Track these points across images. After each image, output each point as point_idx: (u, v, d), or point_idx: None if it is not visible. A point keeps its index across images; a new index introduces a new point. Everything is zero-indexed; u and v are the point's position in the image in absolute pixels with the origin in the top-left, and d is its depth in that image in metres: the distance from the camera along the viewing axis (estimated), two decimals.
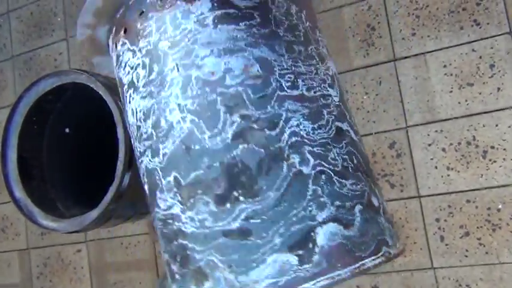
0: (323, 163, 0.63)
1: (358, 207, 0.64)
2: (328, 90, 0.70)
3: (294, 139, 0.62)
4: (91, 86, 0.98)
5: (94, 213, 0.94)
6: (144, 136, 0.73)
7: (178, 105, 0.66)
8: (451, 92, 1.20)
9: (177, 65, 0.66)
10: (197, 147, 0.64)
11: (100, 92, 0.96)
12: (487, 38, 1.17)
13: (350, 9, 1.31)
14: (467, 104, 1.18)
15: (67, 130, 1.18)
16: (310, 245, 0.60)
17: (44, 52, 1.75)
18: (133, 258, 1.57)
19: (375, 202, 0.67)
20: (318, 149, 0.63)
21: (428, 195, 1.21)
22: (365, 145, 1.25)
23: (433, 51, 1.22)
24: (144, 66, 0.70)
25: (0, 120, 1.84)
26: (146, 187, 0.78)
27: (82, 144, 1.21)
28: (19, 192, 1.01)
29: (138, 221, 1.12)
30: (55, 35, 1.72)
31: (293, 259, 0.59)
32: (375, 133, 1.27)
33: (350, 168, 0.66)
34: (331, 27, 1.33)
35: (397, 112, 1.25)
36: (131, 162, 0.94)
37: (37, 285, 1.74)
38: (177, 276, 0.72)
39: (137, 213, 1.05)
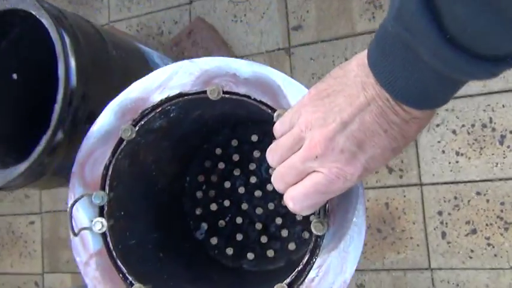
0: None
1: None
2: None
3: None
4: (34, 13, 0.79)
5: (22, 167, 0.75)
6: None
7: None
8: None
9: None
10: None
11: (43, 21, 0.78)
12: None
13: None
14: (485, 81, 1.01)
15: (14, 76, 0.99)
16: None
17: None
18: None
19: None
20: None
21: (432, 184, 1.04)
22: None
23: None
24: None
25: None
26: None
27: (30, 89, 1.02)
28: None
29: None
30: None
31: None
32: None
33: None
34: None
35: None
36: (73, 104, 0.76)
37: None
38: None
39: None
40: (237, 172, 0.71)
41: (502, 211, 0.98)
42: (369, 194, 1.08)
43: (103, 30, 0.94)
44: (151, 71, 0.58)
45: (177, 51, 1.19)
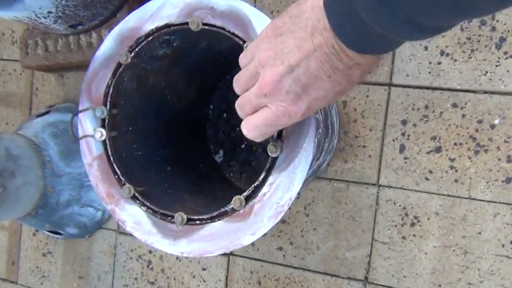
0: None
1: None
2: None
3: None
4: None
5: None
6: None
7: None
8: None
9: None
10: None
11: None
12: None
13: None
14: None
15: None
16: None
17: None
18: (5, 89, 1.23)
19: None
20: None
21: (403, 86, 0.87)
22: None
23: None
24: None
25: None
26: None
27: None
28: None
29: None
30: None
31: None
32: None
33: None
34: None
35: None
36: None
37: None
38: None
39: None
40: None
41: (477, 130, 0.83)
42: None
43: None
44: None
45: None
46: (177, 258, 1.03)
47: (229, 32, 0.55)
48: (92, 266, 1.11)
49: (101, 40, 0.99)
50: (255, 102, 0.40)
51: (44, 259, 1.16)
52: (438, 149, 0.85)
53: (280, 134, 0.51)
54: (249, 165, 0.96)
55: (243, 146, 0.97)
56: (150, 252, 1.06)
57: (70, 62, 1.04)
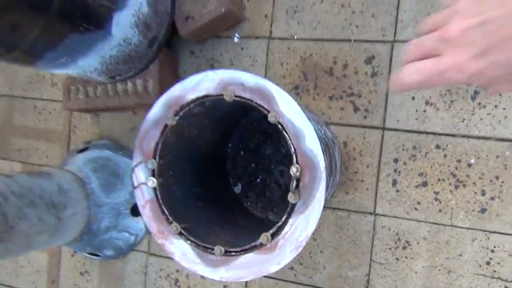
0: None
1: None
2: None
3: None
4: None
5: None
6: None
7: None
8: None
9: None
10: None
11: None
12: None
13: None
14: None
15: None
16: None
17: None
18: (45, 126, 1.39)
19: None
20: None
21: (394, 130, 1.04)
22: (338, 52, 1.06)
23: None
24: None
25: None
26: None
27: None
28: None
29: (31, 66, 0.92)
30: None
31: None
32: (354, 40, 1.06)
33: None
34: None
35: (388, 21, 1.03)
36: None
37: None
38: None
39: (21, 49, 0.84)
40: (269, 142, 1.10)
41: (456, 168, 0.99)
42: (331, 128, 1.08)
43: None
44: None
45: None
46: (202, 276, 1.19)
47: (256, 103, 0.72)
48: (125, 284, 1.27)
49: (134, 88, 1.16)
50: (429, 45, 0.38)
51: (81, 278, 1.32)
52: (425, 184, 1.02)
53: (297, 185, 0.68)
54: (264, 195, 1.13)
55: (258, 179, 1.14)
56: (177, 271, 1.22)
57: (107, 106, 1.21)
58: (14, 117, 1.44)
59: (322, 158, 0.69)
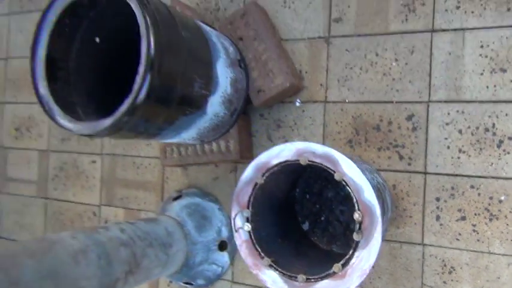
0: None
1: None
2: None
3: None
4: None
5: (108, 121, 1.05)
6: None
7: None
8: (481, 74, 1.21)
9: None
10: None
11: (131, 4, 1.04)
12: None
13: None
14: (495, 90, 1.20)
15: (97, 39, 1.27)
16: None
17: None
18: (142, 178, 1.71)
19: None
20: None
21: (434, 174, 1.26)
22: (383, 112, 1.30)
23: (473, 28, 1.22)
24: None
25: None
26: None
27: (109, 55, 1.30)
28: (43, 89, 1.13)
29: (147, 140, 1.23)
30: None
31: None
32: (396, 102, 1.30)
33: None
34: None
35: (423, 85, 1.27)
36: (151, 72, 1.02)
37: (51, 185, 1.92)
38: None
39: (148, 132, 1.16)
40: (330, 186, 1.36)
41: (489, 204, 1.20)
42: (381, 174, 1.31)
43: (174, 11, 1.19)
44: (210, 49, 1.22)
45: (231, 30, 1.43)
46: None
47: (324, 165, 0.98)
48: None
49: (218, 147, 1.45)
50: None
51: None
52: (463, 218, 1.23)
53: (360, 227, 0.92)
54: (328, 231, 1.38)
55: (322, 218, 1.39)
56: None
57: (196, 162, 1.50)
58: (117, 172, 1.77)
59: (378, 207, 0.93)
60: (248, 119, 1.49)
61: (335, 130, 1.39)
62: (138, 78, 1.01)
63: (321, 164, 0.99)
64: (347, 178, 0.96)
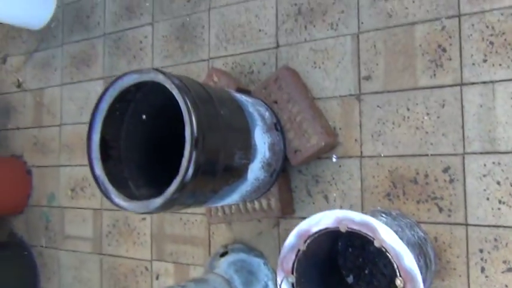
0: None
1: None
2: None
3: None
4: (166, 86, 1.15)
5: (158, 201, 1.13)
6: None
7: None
8: None
9: None
10: None
11: (173, 93, 1.14)
12: None
13: (423, 27, 1.35)
14: None
15: (144, 117, 1.38)
16: None
17: (132, 33, 1.97)
18: (190, 234, 1.79)
19: None
20: None
21: (476, 225, 1.27)
22: (419, 165, 1.33)
23: (502, 80, 1.24)
24: None
25: (88, 91, 2.12)
26: None
27: (156, 130, 1.41)
28: (99, 170, 1.24)
29: (197, 207, 1.31)
30: (143, 18, 1.94)
31: None
32: (431, 155, 1.33)
33: None
34: (401, 43, 1.38)
35: (456, 137, 1.30)
36: (196, 152, 1.10)
37: (106, 242, 2.04)
38: None
39: (197, 202, 1.24)
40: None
41: None
42: (421, 226, 1.33)
43: (211, 90, 1.28)
44: (247, 120, 1.31)
45: (266, 94, 1.51)
46: None
47: (363, 232, 1.02)
48: None
49: (260, 205, 1.51)
50: None
51: None
52: (509, 269, 1.22)
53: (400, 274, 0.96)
54: (372, 284, 1.40)
55: (366, 271, 1.41)
56: None
57: (240, 220, 1.57)
58: (166, 228, 1.86)
59: (419, 273, 0.96)
60: (287, 176, 1.55)
61: (372, 184, 1.42)
62: (184, 161, 1.10)
63: (360, 231, 1.03)
64: (386, 245, 1.00)
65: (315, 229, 1.08)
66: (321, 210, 1.49)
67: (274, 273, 1.58)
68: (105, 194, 1.21)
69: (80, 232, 2.13)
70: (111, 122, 1.28)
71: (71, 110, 2.18)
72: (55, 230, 2.24)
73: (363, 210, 1.44)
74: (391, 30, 1.40)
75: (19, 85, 2.36)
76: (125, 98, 1.27)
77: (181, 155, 1.25)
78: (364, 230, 1.03)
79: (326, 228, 1.07)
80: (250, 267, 1.57)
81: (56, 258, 2.23)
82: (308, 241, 1.09)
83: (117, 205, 1.19)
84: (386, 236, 1.00)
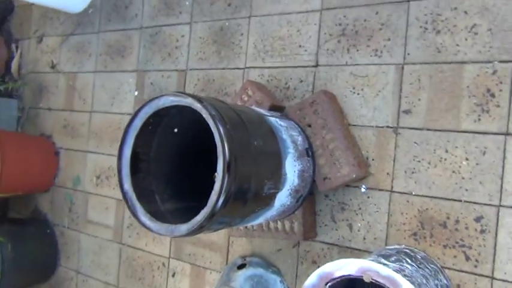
0: None
1: None
2: None
3: None
4: (202, 115, 1.14)
5: (184, 228, 1.13)
6: None
7: None
8: None
9: None
10: None
11: (209, 124, 1.12)
12: None
13: (473, 67, 1.29)
14: None
15: (175, 130, 1.37)
16: None
17: (169, 30, 1.94)
18: (209, 238, 1.81)
19: None
20: None
21: (503, 280, 1.24)
22: (451, 210, 1.29)
23: None
24: None
25: (121, 82, 2.12)
26: None
27: (185, 142, 1.40)
28: (128, 186, 1.24)
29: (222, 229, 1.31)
30: (181, 17, 1.90)
31: None
32: (465, 201, 1.29)
33: None
34: (447, 81, 1.33)
35: (494, 188, 1.25)
36: (228, 178, 1.09)
37: (126, 233, 2.08)
38: None
39: (221, 228, 1.24)
40: None
41: None
42: (445, 271, 1.31)
43: (245, 114, 1.26)
44: (280, 148, 1.29)
45: (300, 115, 1.47)
46: None
47: (387, 287, 1.01)
48: None
49: (283, 227, 1.51)
50: None
51: None
52: None
53: None
54: None
55: None
56: None
57: (261, 237, 1.57)
58: None
59: None
60: (313, 199, 1.53)
61: (400, 221, 1.39)
62: (215, 192, 1.09)
63: (384, 285, 1.02)
64: None
65: (337, 274, 1.07)
66: (343, 237, 1.49)
67: None
68: (132, 211, 1.22)
69: (102, 219, 2.17)
70: (143, 135, 1.27)
71: (102, 98, 2.19)
72: (78, 212, 2.28)
73: (386, 245, 1.42)
74: (438, 66, 1.34)
75: (53, 66, 2.37)
76: (159, 114, 1.26)
77: (209, 170, 1.25)
78: (388, 285, 1.01)
79: (349, 275, 1.06)
80: (267, 284, 1.57)
81: (76, 240, 2.28)
82: (329, 284, 1.08)
83: (142, 224, 1.20)
84: None
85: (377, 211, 1.44)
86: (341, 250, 1.50)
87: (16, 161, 2.11)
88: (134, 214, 1.21)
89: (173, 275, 1.92)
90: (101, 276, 2.17)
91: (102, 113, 2.18)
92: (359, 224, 1.47)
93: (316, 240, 1.55)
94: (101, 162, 2.18)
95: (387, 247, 1.41)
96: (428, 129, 1.36)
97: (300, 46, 1.60)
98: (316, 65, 1.56)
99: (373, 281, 1.03)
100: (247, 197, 1.17)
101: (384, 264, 1.12)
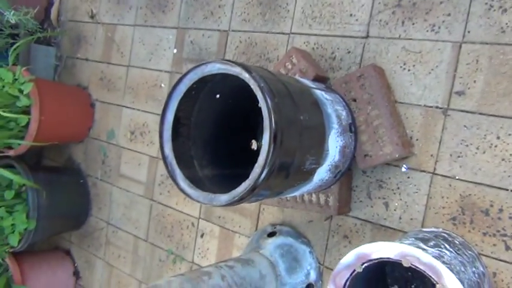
0: None
1: None
2: None
3: None
4: (250, 86, 1.11)
5: (224, 198, 1.13)
6: None
7: None
8: None
9: None
10: None
11: (257, 96, 1.09)
12: None
13: None
14: None
15: (217, 96, 1.35)
16: None
17: None
18: (241, 205, 1.82)
19: None
20: None
21: None
22: (495, 198, 1.26)
23: None
24: None
25: (160, 38, 2.08)
26: None
27: (225, 108, 1.38)
28: (168, 150, 1.24)
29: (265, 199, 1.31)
30: None
31: None
32: (511, 191, 1.25)
33: None
34: (509, 64, 1.25)
35: None
36: (274, 151, 1.06)
37: (157, 190, 2.11)
38: None
39: (258, 200, 1.23)
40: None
41: None
42: (482, 259, 1.29)
43: (291, 86, 1.23)
44: (324, 123, 1.26)
45: (346, 89, 1.43)
46: None
47: (428, 274, 0.99)
48: None
49: (318, 200, 1.50)
50: None
51: None
52: None
53: None
54: None
55: (413, 286, 1.40)
56: None
57: (294, 208, 1.57)
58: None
59: None
60: (350, 174, 1.51)
61: (439, 204, 1.36)
62: (259, 164, 1.07)
63: (424, 272, 1.00)
64: None
65: (375, 255, 1.06)
66: (378, 215, 1.47)
67: (318, 263, 1.60)
68: (172, 176, 1.22)
69: (134, 175, 2.21)
70: (185, 100, 1.25)
71: (140, 53, 2.16)
72: (111, 165, 2.32)
73: (423, 227, 1.40)
74: (500, 47, 1.26)
75: (92, 16, 2.35)
76: (204, 79, 1.24)
77: (249, 137, 1.24)
78: (428, 272, 1.00)
79: (388, 258, 1.05)
80: (296, 253, 1.58)
81: (108, 193, 2.34)
82: (366, 264, 1.08)
83: (181, 190, 1.20)
84: (451, 283, 0.97)
85: (416, 192, 1.41)
86: (374, 227, 1.49)
87: (54, 111, 2.14)
88: (174, 179, 1.21)
89: (202, 236, 1.96)
90: (131, 230, 2.23)
91: (139, 68, 2.17)
92: (396, 203, 1.44)
93: (350, 215, 1.54)
94: (136, 118, 2.19)
95: (424, 229, 1.39)
96: (481, 113, 1.30)
97: (350, 15, 1.53)
98: (367, 36, 1.50)
99: (412, 266, 1.02)
100: (289, 172, 1.15)
101: (423, 249, 1.10)
